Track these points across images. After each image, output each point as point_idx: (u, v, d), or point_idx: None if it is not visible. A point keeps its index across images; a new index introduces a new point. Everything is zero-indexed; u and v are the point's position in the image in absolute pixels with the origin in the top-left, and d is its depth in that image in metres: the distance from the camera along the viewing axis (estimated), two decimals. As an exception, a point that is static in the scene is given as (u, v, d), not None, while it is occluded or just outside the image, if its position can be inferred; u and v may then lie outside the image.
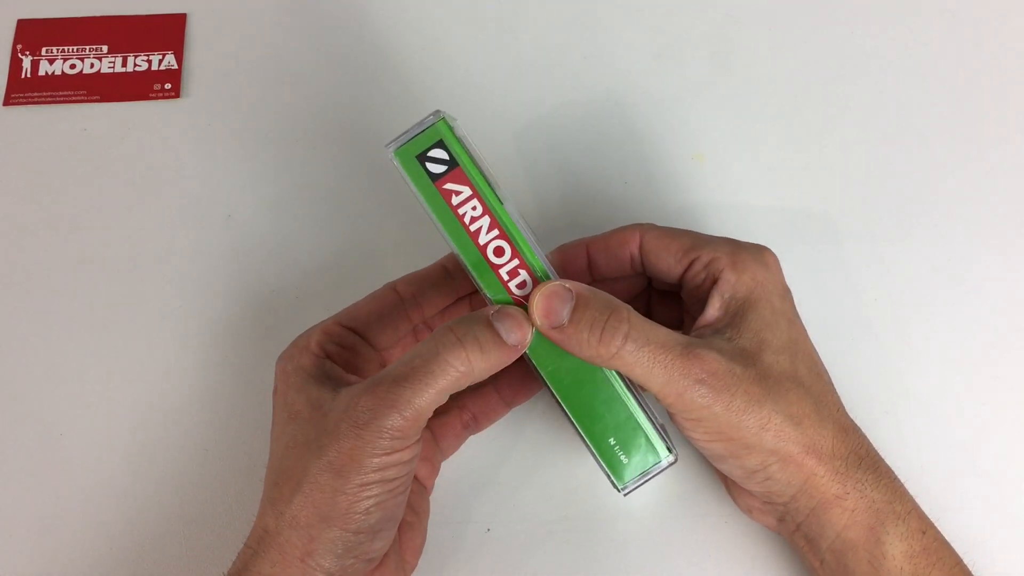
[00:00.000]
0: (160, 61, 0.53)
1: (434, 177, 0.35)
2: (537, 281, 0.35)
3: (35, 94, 0.52)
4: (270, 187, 0.49)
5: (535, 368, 0.36)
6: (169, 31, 0.54)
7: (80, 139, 0.51)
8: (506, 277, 0.35)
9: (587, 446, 0.36)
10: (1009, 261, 0.47)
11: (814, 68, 0.52)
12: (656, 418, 0.37)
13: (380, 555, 0.35)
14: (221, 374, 0.45)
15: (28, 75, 0.52)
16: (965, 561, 0.36)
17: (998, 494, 0.42)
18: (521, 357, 0.35)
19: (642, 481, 0.37)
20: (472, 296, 0.41)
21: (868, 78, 0.52)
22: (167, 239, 0.48)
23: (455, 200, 0.35)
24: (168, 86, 0.52)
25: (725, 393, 0.34)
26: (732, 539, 0.41)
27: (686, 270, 0.38)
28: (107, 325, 0.46)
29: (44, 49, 0.53)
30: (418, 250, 0.45)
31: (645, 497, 0.42)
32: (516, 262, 0.35)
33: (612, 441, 0.36)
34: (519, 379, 0.40)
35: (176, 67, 0.53)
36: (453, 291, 0.40)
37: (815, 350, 0.38)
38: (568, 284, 0.35)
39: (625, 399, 0.36)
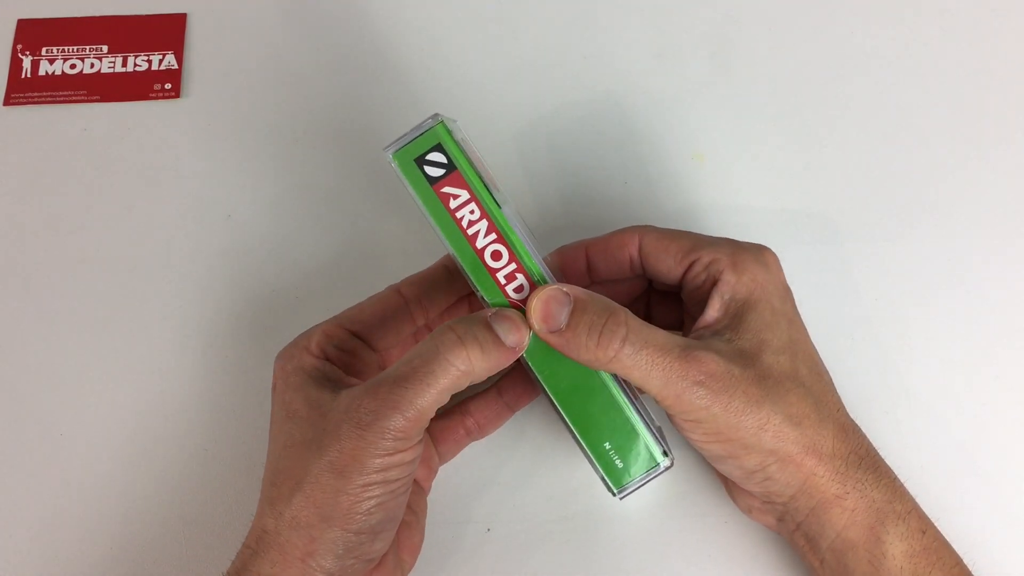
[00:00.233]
0: (160, 61, 0.53)
1: (432, 181, 0.35)
2: (534, 285, 0.35)
3: (35, 94, 0.52)
4: (270, 187, 0.49)
5: (532, 372, 0.36)
6: (169, 31, 0.54)
7: (80, 139, 0.51)
8: (503, 281, 0.35)
9: (583, 450, 0.36)
10: (1009, 261, 0.47)
11: (814, 68, 0.52)
12: (653, 423, 0.37)
13: (380, 555, 0.35)
14: (221, 374, 0.45)
15: (28, 75, 0.52)
16: (965, 561, 0.36)
17: (998, 494, 0.42)
18: (518, 361, 0.35)
19: (638, 485, 0.37)
20: (471, 296, 0.41)
21: (868, 78, 0.52)
22: (167, 239, 0.48)
23: (453, 204, 0.35)
24: (168, 86, 0.52)
25: (723, 394, 0.34)
26: (732, 539, 0.41)
27: (686, 271, 0.38)
28: (107, 325, 0.46)
29: (44, 49, 0.53)
30: (418, 250, 0.45)
31: (645, 498, 0.42)
32: (513, 266, 0.35)
33: (608, 446, 0.36)
34: (521, 382, 0.41)
35: (176, 67, 0.53)
36: (455, 291, 0.41)
37: (816, 350, 0.38)
38: (565, 288, 0.35)
39: (622, 404, 0.36)
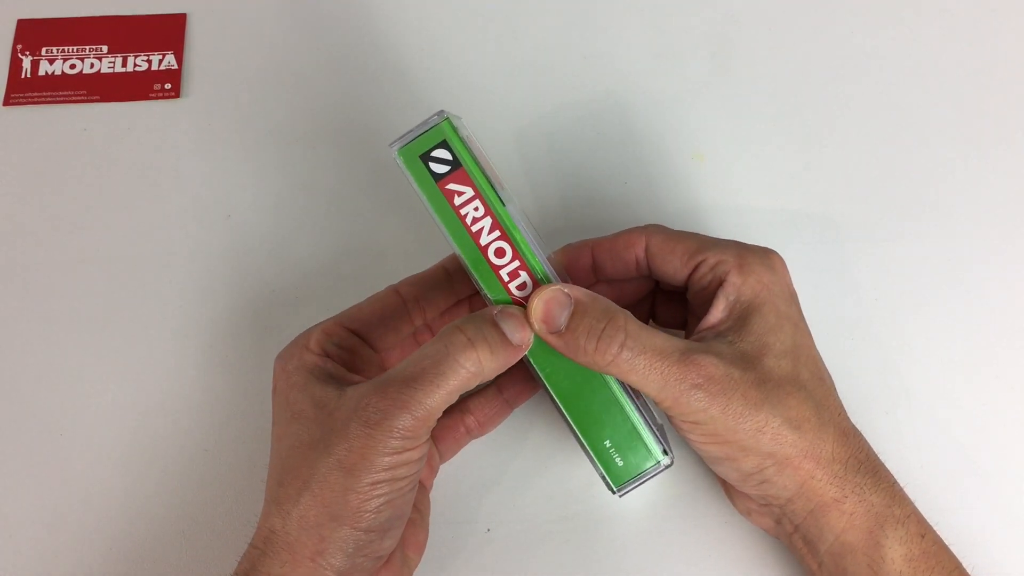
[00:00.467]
0: (160, 61, 0.53)
1: (437, 177, 0.35)
2: (537, 283, 0.35)
3: (35, 94, 0.52)
4: (270, 187, 0.49)
5: (534, 369, 0.36)
6: (169, 31, 0.54)
7: (80, 139, 0.51)
8: (506, 278, 0.35)
9: (583, 447, 0.36)
10: (1009, 261, 0.47)
11: (814, 68, 0.52)
12: (653, 421, 0.37)
13: (389, 552, 0.35)
14: (221, 374, 0.45)
15: (28, 75, 0.52)
16: (965, 562, 0.36)
17: (998, 494, 0.42)
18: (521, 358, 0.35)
19: (637, 484, 0.37)
20: (472, 298, 0.41)
21: (868, 78, 0.52)
22: (167, 239, 0.48)
23: (457, 200, 0.35)
24: (168, 86, 0.52)
25: (722, 397, 0.34)
26: (731, 541, 0.41)
27: (692, 272, 0.38)
28: (107, 325, 0.46)
29: (44, 49, 0.53)
30: (418, 250, 0.45)
31: (644, 498, 0.42)
32: (517, 263, 0.35)
33: (608, 443, 0.36)
34: (521, 379, 0.41)
35: (176, 67, 0.53)
36: (454, 293, 0.41)
37: (819, 354, 0.38)
38: (567, 289, 0.35)
39: (622, 402, 0.36)
